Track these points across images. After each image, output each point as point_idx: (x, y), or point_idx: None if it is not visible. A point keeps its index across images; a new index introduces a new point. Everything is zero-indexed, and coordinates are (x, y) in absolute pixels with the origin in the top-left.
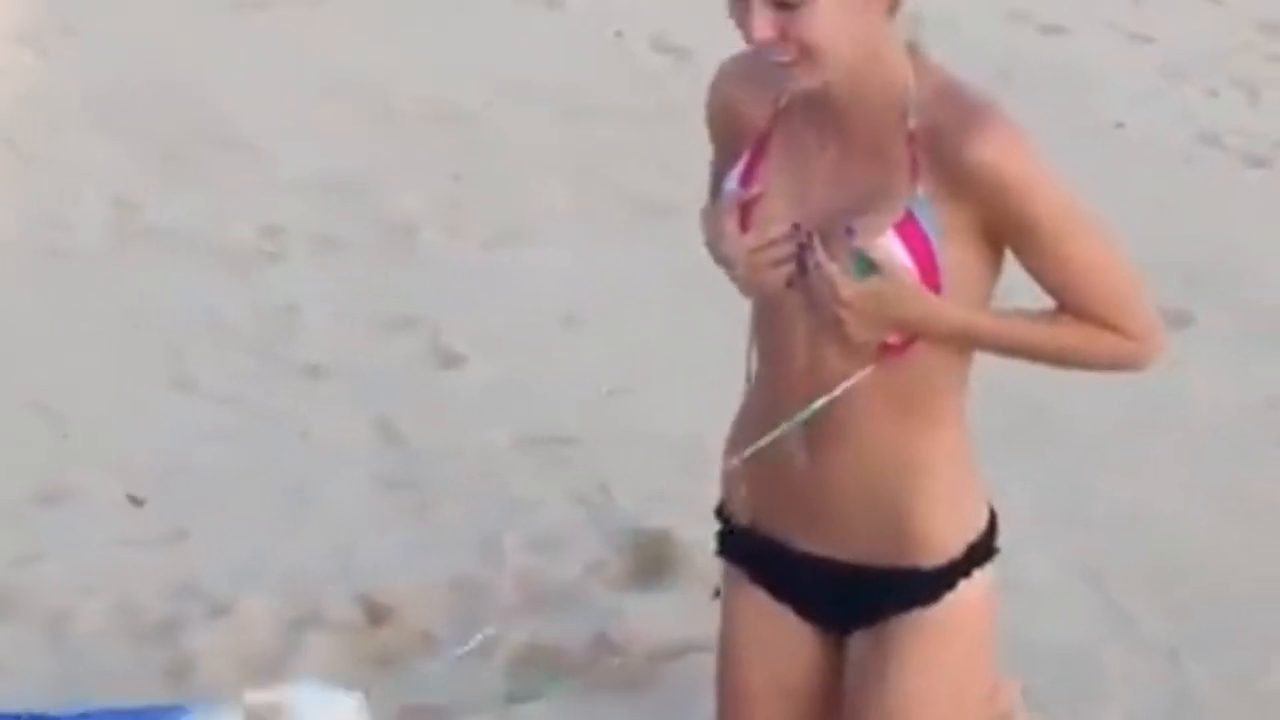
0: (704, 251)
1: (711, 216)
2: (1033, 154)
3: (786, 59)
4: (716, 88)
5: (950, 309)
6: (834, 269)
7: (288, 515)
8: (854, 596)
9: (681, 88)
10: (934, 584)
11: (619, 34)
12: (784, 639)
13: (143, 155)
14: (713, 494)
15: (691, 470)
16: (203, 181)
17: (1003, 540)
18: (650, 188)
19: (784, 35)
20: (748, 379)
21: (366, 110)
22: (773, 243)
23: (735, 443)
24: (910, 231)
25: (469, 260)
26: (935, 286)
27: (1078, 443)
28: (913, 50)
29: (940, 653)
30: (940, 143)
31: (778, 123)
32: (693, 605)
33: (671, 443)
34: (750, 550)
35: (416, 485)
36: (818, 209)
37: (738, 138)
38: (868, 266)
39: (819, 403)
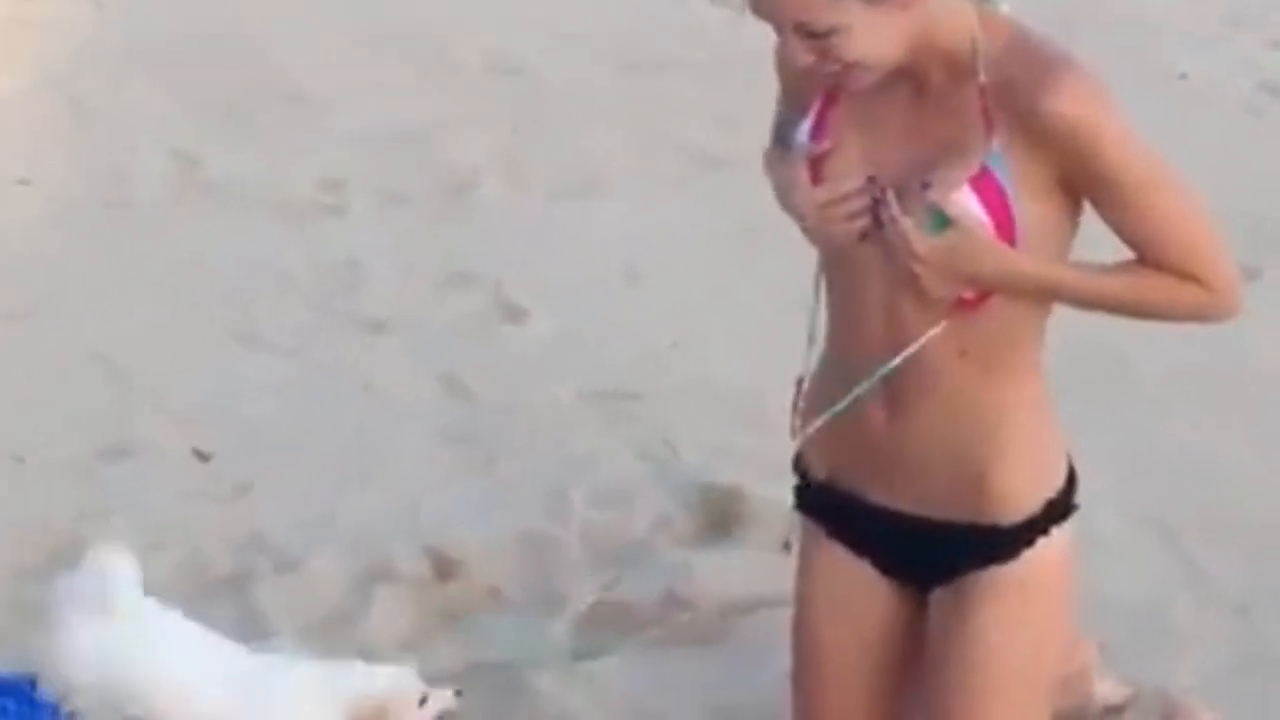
0: (764, 203)
1: (781, 167)
2: (1110, 105)
3: (835, 69)
4: None
5: (1026, 262)
6: (908, 223)
7: (353, 470)
8: (933, 552)
9: (739, 41)
10: (1013, 541)
11: None
12: (862, 593)
13: (202, 109)
14: (778, 448)
15: (757, 424)
16: (262, 135)
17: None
18: (709, 141)
19: (824, 57)
20: (811, 339)
21: (424, 62)
22: (845, 196)
23: (811, 401)
24: (986, 185)
25: (530, 214)
26: (1011, 240)
27: (1146, 395)
28: (982, 5)
29: (1020, 609)
30: (1014, 96)
31: None
32: (762, 560)
33: (735, 396)
34: (828, 504)
35: (481, 440)
36: (891, 163)
37: (806, 90)
38: (943, 221)
39: (895, 360)
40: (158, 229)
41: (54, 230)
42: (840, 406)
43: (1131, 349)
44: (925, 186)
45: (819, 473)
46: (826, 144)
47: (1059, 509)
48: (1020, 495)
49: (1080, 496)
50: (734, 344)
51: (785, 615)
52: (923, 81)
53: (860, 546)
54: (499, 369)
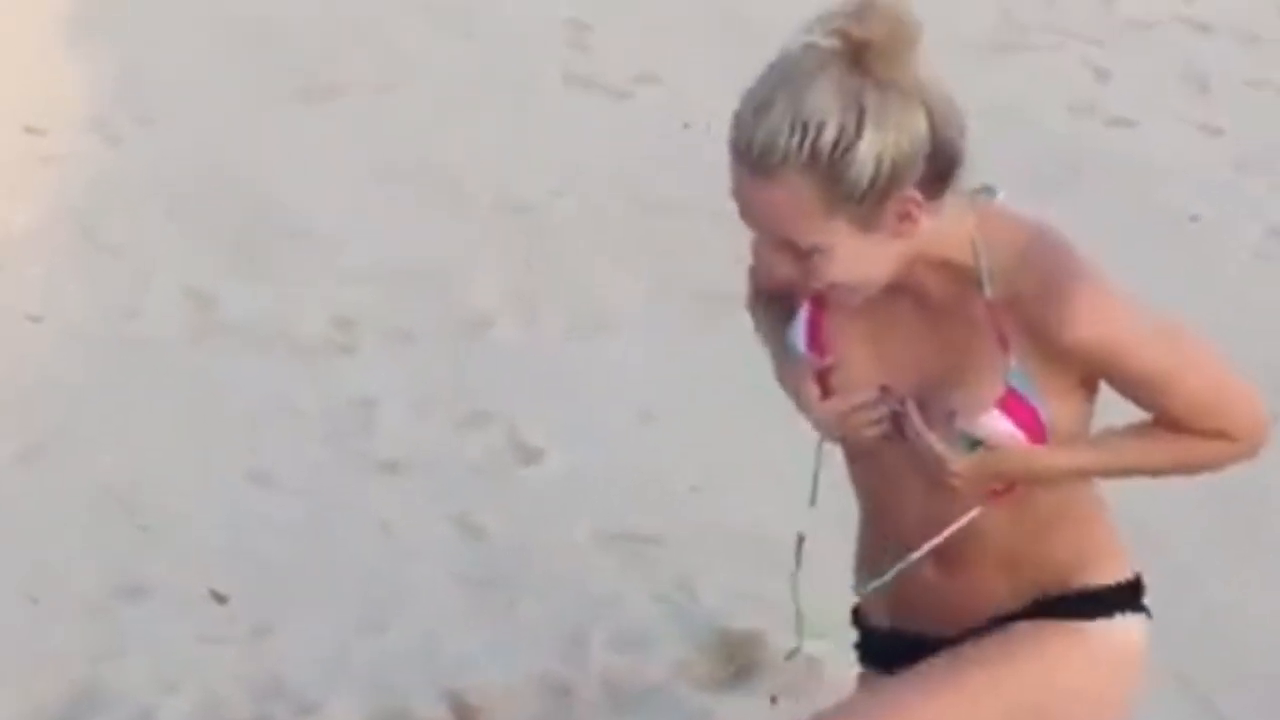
0: None
1: (786, 376)
2: (1124, 313)
3: (818, 286)
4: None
5: (1058, 457)
6: (938, 444)
7: (371, 612)
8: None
9: None
10: (1065, 606)
11: (687, 126)
12: None
13: (215, 245)
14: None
15: (775, 568)
16: (274, 272)
17: None
18: (723, 280)
19: (807, 274)
20: (812, 501)
21: (435, 200)
22: (862, 406)
23: (860, 561)
24: (1013, 404)
25: (544, 353)
26: (1042, 441)
27: (1171, 552)
28: (976, 201)
29: (1042, 646)
30: (1027, 314)
31: None
32: (781, 707)
33: (753, 540)
34: (895, 649)
35: (498, 582)
36: (903, 373)
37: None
38: (974, 443)
39: (915, 555)
40: (171, 366)
41: (66, 366)
42: (883, 580)
43: (1154, 499)
44: (951, 415)
45: (881, 622)
46: (829, 360)
47: (1118, 596)
48: (1082, 578)
49: None
50: (751, 487)
51: None
52: (920, 287)
53: None
54: (515, 510)
